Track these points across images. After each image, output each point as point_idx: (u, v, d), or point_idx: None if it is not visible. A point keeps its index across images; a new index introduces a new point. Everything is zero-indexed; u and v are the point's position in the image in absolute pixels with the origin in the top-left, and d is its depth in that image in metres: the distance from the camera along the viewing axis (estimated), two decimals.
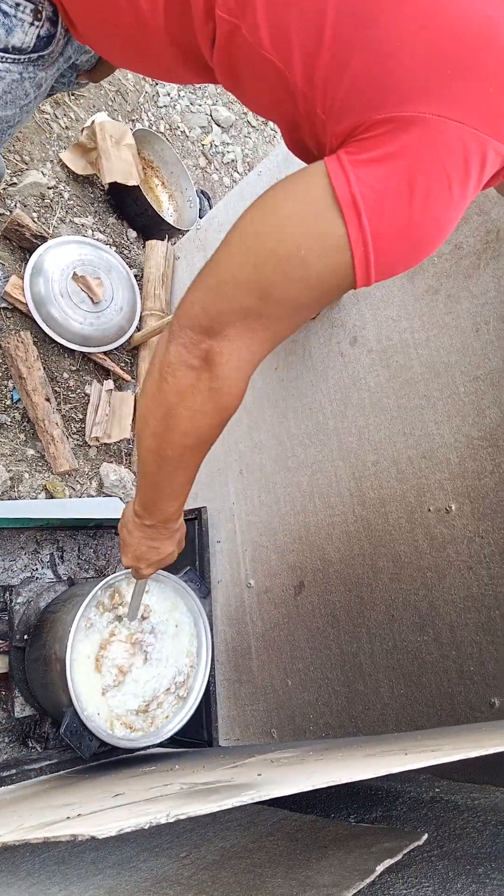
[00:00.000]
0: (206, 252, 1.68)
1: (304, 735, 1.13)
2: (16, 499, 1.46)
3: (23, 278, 1.55)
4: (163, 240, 1.83)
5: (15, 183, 1.68)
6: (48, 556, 1.43)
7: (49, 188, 1.74)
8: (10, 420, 1.51)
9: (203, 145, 2.40)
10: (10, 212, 1.63)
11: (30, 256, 1.58)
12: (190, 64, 0.71)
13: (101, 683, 1.07)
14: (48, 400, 1.51)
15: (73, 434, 1.62)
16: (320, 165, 0.58)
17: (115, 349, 1.71)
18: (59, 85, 1.04)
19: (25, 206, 1.68)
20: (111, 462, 1.66)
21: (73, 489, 1.58)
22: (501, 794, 0.76)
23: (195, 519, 1.44)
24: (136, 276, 1.83)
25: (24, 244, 1.60)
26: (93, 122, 1.77)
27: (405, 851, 0.54)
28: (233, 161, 2.49)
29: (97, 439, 1.63)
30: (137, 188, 1.77)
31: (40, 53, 0.79)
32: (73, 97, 1.93)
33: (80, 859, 0.75)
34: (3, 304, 1.56)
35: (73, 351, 1.64)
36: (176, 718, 1.12)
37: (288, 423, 1.29)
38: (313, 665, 1.14)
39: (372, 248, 0.57)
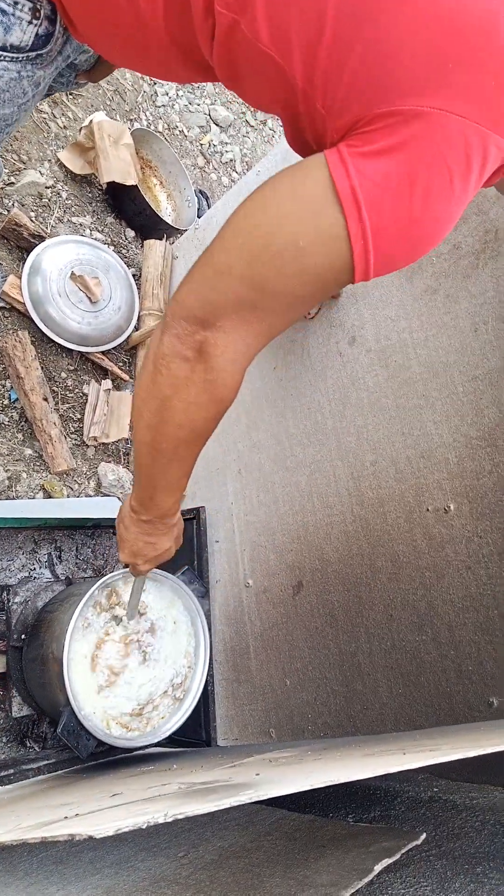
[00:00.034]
0: None
1: (302, 735, 1.13)
2: (14, 498, 1.45)
3: (20, 278, 1.55)
4: (161, 239, 1.83)
5: (13, 182, 1.68)
6: (46, 556, 1.43)
7: (47, 188, 1.74)
8: (7, 420, 1.51)
9: (201, 145, 2.40)
10: (8, 211, 1.62)
11: (28, 256, 1.58)
12: (189, 63, 0.71)
13: (97, 683, 1.06)
14: (46, 399, 1.51)
15: (71, 434, 1.62)
16: (320, 157, 0.58)
17: (113, 349, 1.71)
18: (57, 85, 1.04)
19: (23, 206, 1.68)
20: (109, 462, 1.66)
21: (71, 489, 1.57)
22: (500, 793, 0.76)
23: (193, 518, 1.44)
24: (134, 275, 1.82)
25: (22, 244, 1.60)
26: (91, 121, 1.77)
27: (403, 851, 0.54)
28: (231, 161, 2.49)
29: (95, 439, 1.63)
30: (135, 188, 1.77)
31: (38, 52, 0.79)
32: (70, 96, 1.93)
33: (77, 859, 0.75)
34: (1, 304, 1.56)
35: (71, 350, 1.64)
36: (173, 719, 1.12)
37: (286, 423, 1.29)
38: (312, 665, 1.14)
39: (371, 243, 0.56)
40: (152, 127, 2.21)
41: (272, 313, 0.63)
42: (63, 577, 1.39)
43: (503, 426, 0.92)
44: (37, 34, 0.76)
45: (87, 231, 1.81)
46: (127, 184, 1.74)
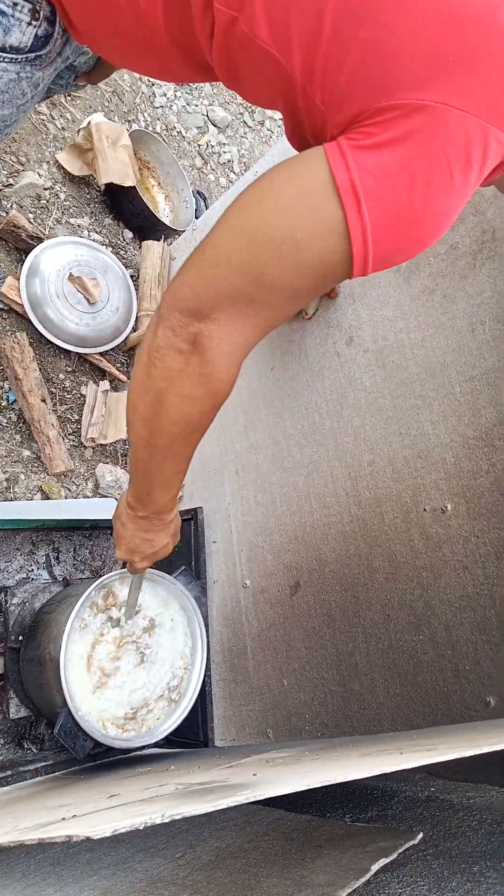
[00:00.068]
0: None
1: (299, 735, 1.13)
2: (12, 500, 1.45)
3: (19, 279, 1.55)
4: (159, 240, 1.83)
5: (11, 184, 1.68)
6: (44, 557, 1.42)
7: (45, 189, 1.74)
8: (5, 421, 1.51)
9: (199, 146, 2.40)
10: (7, 213, 1.62)
11: (26, 257, 1.58)
12: (189, 62, 0.71)
13: (92, 684, 1.06)
14: (44, 401, 1.51)
15: (69, 435, 1.62)
16: (319, 150, 0.57)
17: (111, 350, 1.71)
18: (56, 87, 1.04)
19: (21, 207, 1.68)
20: (107, 463, 1.66)
21: (69, 490, 1.57)
22: (496, 792, 0.76)
23: (191, 519, 1.44)
24: (132, 276, 1.82)
25: (21, 245, 1.60)
26: (89, 122, 1.77)
27: (400, 850, 0.54)
28: (229, 161, 2.49)
29: (93, 440, 1.63)
30: (134, 189, 1.77)
31: (38, 53, 0.79)
32: (69, 98, 1.93)
33: (75, 860, 0.75)
34: (0, 306, 1.56)
35: (69, 352, 1.64)
36: (170, 720, 1.12)
37: (284, 424, 1.29)
38: (309, 665, 1.14)
39: (371, 238, 0.56)
40: (150, 128, 2.21)
41: (269, 306, 0.62)
42: (61, 579, 1.39)
43: (500, 426, 0.92)
44: (36, 35, 0.76)
45: (86, 232, 1.82)
46: (125, 185, 1.74)
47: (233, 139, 2.56)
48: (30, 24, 0.75)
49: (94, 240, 1.81)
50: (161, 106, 2.28)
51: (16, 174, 1.70)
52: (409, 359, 1.07)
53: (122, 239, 1.92)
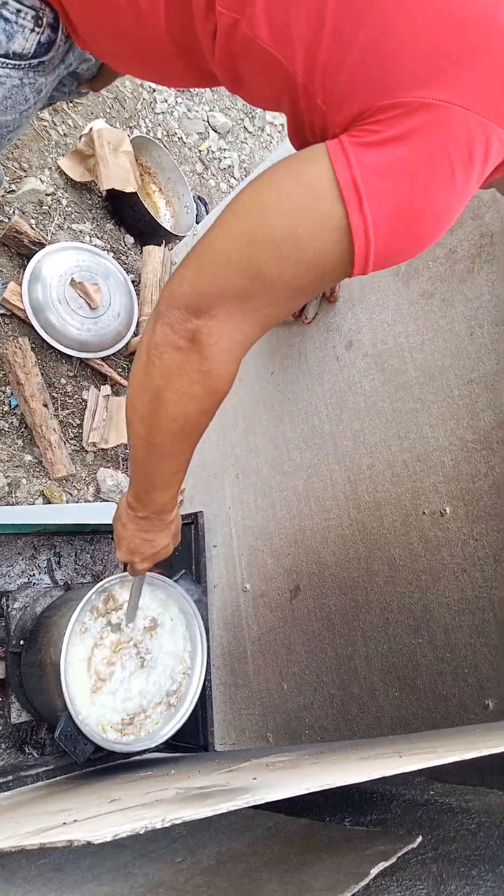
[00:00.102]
0: None
1: (299, 739, 1.13)
2: (13, 504, 1.46)
3: (21, 284, 1.56)
4: (160, 245, 1.84)
5: (13, 190, 1.69)
6: (45, 562, 1.43)
7: (47, 195, 1.76)
8: (7, 426, 1.51)
9: (200, 151, 2.42)
10: (9, 218, 1.64)
11: (28, 263, 1.59)
12: (191, 66, 0.71)
13: (91, 688, 1.06)
14: (46, 406, 1.51)
15: (71, 439, 1.62)
16: (320, 147, 0.57)
17: (112, 355, 1.72)
18: (59, 94, 1.05)
19: (24, 213, 1.69)
20: (108, 467, 1.66)
21: (71, 494, 1.58)
22: (495, 795, 0.76)
23: (192, 523, 1.44)
24: (133, 281, 1.83)
25: (23, 251, 1.61)
26: (91, 129, 1.78)
27: (399, 854, 0.54)
28: (229, 167, 2.50)
29: (94, 444, 1.63)
30: (135, 194, 1.78)
31: (41, 59, 0.80)
32: (71, 105, 1.94)
33: (76, 865, 0.75)
34: (2, 311, 1.57)
35: (70, 357, 1.64)
36: (169, 724, 1.12)
37: (284, 427, 1.30)
38: (309, 668, 1.14)
39: (373, 236, 0.55)
40: (151, 134, 2.23)
41: (268, 303, 0.61)
42: (62, 583, 1.39)
43: (498, 429, 0.93)
44: (39, 42, 0.77)
45: (87, 238, 1.83)
46: (126, 191, 1.75)
47: (233, 145, 2.57)
48: (33, 30, 0.75)
49: (95, 245, 1.82)
50: (162, 112, 2.30)
51: (18, 180, 1.72)
52: (408, 362, 1.07)
53: (123, 244, 1.93)
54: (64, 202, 1.80)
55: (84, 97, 1.91)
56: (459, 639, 0.92)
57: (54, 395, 1.61)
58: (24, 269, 1.58)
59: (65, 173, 1.80)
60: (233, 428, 1.41)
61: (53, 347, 1.59)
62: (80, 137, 1.81)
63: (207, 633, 1.22)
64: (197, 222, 2.08)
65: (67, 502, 1.55)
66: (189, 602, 1.17)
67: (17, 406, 1.53)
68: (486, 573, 0.91)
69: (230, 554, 1.36)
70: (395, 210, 0.55)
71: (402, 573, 1.02)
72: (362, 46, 0.55)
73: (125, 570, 1.03)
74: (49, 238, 1.71)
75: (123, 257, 1.90)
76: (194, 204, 2.10)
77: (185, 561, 1.40)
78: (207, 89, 2.50)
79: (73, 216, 1.81)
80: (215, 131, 2.50)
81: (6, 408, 1.52)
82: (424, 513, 1.00)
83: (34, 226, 1.69)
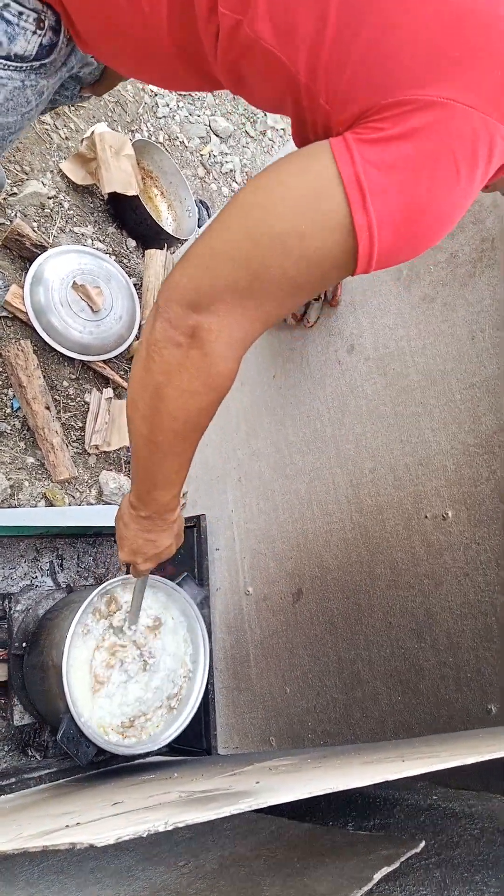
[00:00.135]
0: None
1: (302, 743, 1.13)
2: (16, 507, 1.46)
3: (23, 287, 1.56)
4: (162, 249, 1.84)
5: (15, 193, 1.70)
6: (48, 564, 1.43)
7: (49, 198, 1.76)
8: (10, 428, 1.52)
9: (202, 155, 2.42)
10: (11, 221, 1.64)
11: (30, 266, 1.60)
12: (192, 68, 0.71)
13: (92, 690, 1.07)
14: (48, 408, 1.52)
15: (73, 442, 1.63)
16: (324, 144, 0.57)
17: (114, 357, 1.72)
18: (62, 98, 1.05)
19: (26, 216, 1.70)
20: (111, 470, 1.66)
21: (73, 497, 1.58)
22: (498, 800, 0.76)
23: (194, 527, 1.44)
24: (135, 285, 1.84)
25: (25, 253, 1.62)
26: (92, 132, 1.79)
27: (402, 859, 0.54)
28: (231, 171, 2.51)
29: (97, 447, 1.64)
30: (137, 198, 1.79)
31: (42, 62, 0.80)
32: (72, 108, 1.95)
33: (78, 868, 0.75)
34: (4, 313, 1.57)
35: (72, 359, 1.65)
36: (171, 727, 1.12)
37: (286, 431, 1.30)
38: (311, 672, 1.14)
39: (377, 235, 0.55)
40: (153, 138, 2.23)
41: (269, 300, 0.61)
42: (64, 585, 1.40)
43: (500, 433, 0.93)
44: (41, 44, 0.77)
45: (89, 241, 1.83)
46: (128, 194, 1.76)
47: (235, 149, 2.58)
48: (35, 32, 0.75)
49: (97, 248, 1.82)
50: (164, 116, 2.30)
51: (20, 183, 1.72)
52: (410, 366, 1.07)
53: (125, 248, 1.93)
54: (66, 205, 1.81)
55: (86, 101, 1.92)
56: (462, 643, 0.92)
57: (56, 397, 1.61)
58: (27, 272, 1.58)
59: (67, 177, 1.81)
60: (235, 431, 1.41)
61: (55, 350, 1.59)
62: (82, 141, 1.82)
63: (210, 637, 1.22)
64: (199, 226, 2.08)
65: (70, 505, 1.56)
66: (191, 605, 1.18)
67: (19, 408, 1.53)
68: (488, 577, 0.91)
69: (233, 557, 1.37)
70: (400, 208, 0.55)
71: (404, 577, 1.02)
72: (363, 46, 0.55)
73: (127, 572, 1.03)
74: (51, 241, 1.71)
75: (125, 260, 1.91)
76: (196, 208, 2.10)
77: (188, 564, 1.40)
78: (209, 94, 2.51)
79: (74, 219, 1.82)
80: (217, 135, 2.51)
81: (8, 410, 1.52)
82: (426, 517, 1.00)
83: (36, 229, 1.70)
